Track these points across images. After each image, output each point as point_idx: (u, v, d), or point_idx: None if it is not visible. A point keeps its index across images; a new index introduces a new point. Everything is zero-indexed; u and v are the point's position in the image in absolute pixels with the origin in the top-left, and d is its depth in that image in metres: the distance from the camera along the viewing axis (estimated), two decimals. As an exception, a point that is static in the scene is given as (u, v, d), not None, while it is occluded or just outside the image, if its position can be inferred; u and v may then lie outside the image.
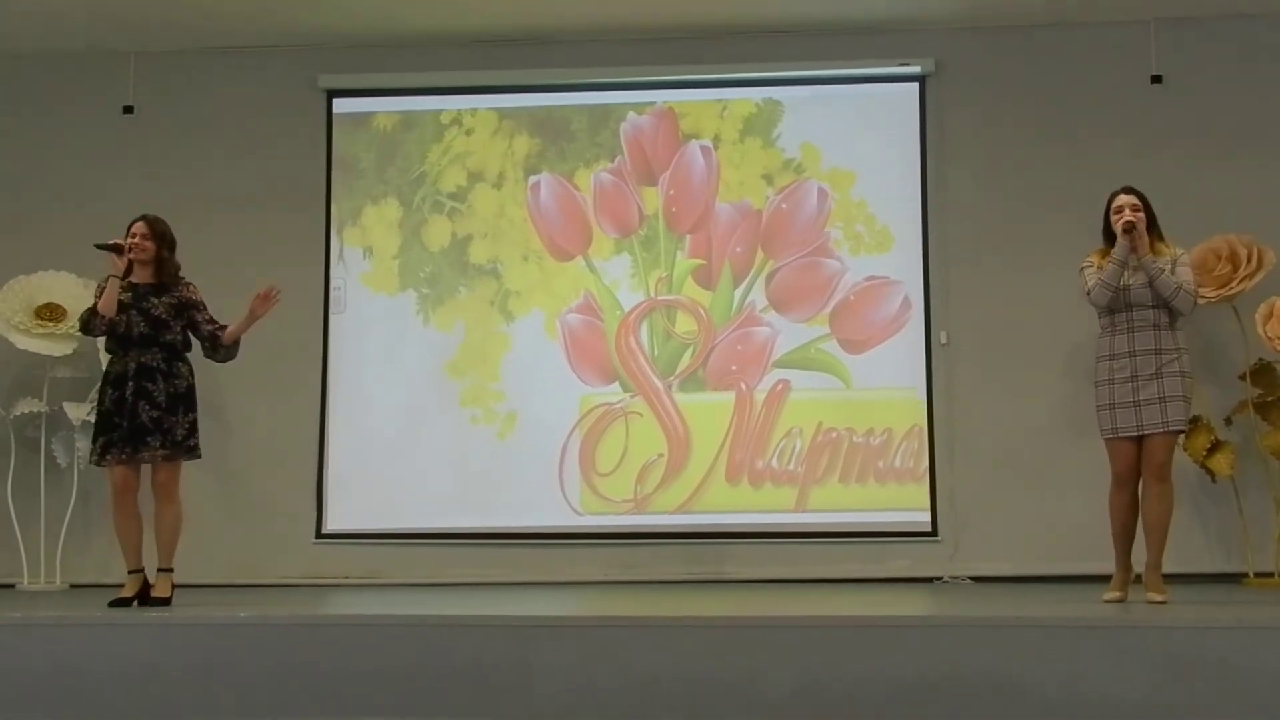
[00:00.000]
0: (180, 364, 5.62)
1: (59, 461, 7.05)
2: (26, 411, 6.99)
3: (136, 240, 5.60)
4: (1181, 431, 5.46)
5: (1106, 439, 5.42)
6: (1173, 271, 5.34)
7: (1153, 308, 5.33)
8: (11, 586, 7.01)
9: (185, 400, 5.58)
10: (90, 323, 5.59)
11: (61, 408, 6.96)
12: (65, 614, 5.26)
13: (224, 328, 5.68)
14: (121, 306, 5.53)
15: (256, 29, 7.31)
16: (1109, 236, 5.46)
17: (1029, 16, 7.12)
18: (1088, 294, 5.43)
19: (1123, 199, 5.42)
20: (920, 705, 4.29)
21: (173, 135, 7.49)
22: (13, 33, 7.30)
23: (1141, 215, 5.36)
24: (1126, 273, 5.35)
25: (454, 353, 7.33)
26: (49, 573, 7.01)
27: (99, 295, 5.59)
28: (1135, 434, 5.32)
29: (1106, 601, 5.34)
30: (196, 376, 5.71)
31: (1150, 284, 5.32)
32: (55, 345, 6.92)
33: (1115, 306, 5.37)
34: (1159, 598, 5.26)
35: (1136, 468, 5.38)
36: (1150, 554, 5.37)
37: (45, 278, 7.00)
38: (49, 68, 7.56)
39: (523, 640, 4.53)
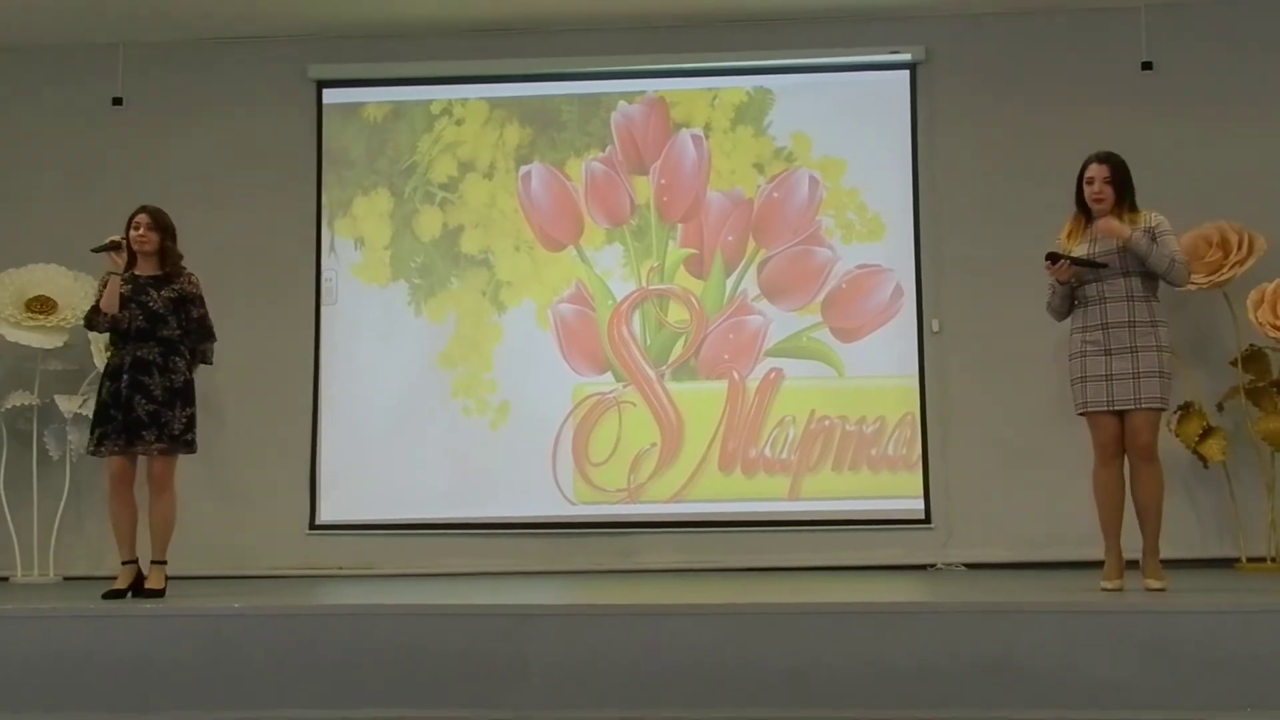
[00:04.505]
0: (177, 359, 5.59)
1: (51, 454, 7.03)
2: (18, 404, 6.97)
3: (140, 232, 5.60)
4: (1160, 409, 5.16)
5: (1080, 413, 5.24)
6: (1154, 241, 5.14)
7: (1124, 276, 5.14)
8: (5, 579, 7.00)
9: (183, 395, 5.57)
10: (94, 320, 5.61)
11: (53, 400, 6.94)
12: (59, 606, 5.25)
13: (206, 338, 5.67)
14: (121, 300, 5.53)
15: (245, 20, 7.28)
16: (1082, 204, 5.29)
17: (1020, 3, 7.13)
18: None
19: (1094, 170, 5.24)
20: (914, 692, 4.29)
21: (162, 127, 7.47)
22: (0, 25, 7.27)
23: (1110, 191, 5.19)
24: (1092, 244, 5.19)
25: (446, 343, 7.33)
26: (42, 565, 7.00)
27: (100, 292, 5.59)
28: (1106, 409, 5.13)
29: (1105, 590, 5.11)
30: (190, 369, 5.71)
31: (1144, 261, 5.11)
32: (46, 338, 6.90)
33: (1086, 278, 5.20)
34: (1158, 584, 5.06)
35: (1120, 441, 5.17)
36: (1146, 539, 5.18)
37: (36, 270, 6.98)
38: (37, 60, 7.53)
39: (517, 629, 4.53)
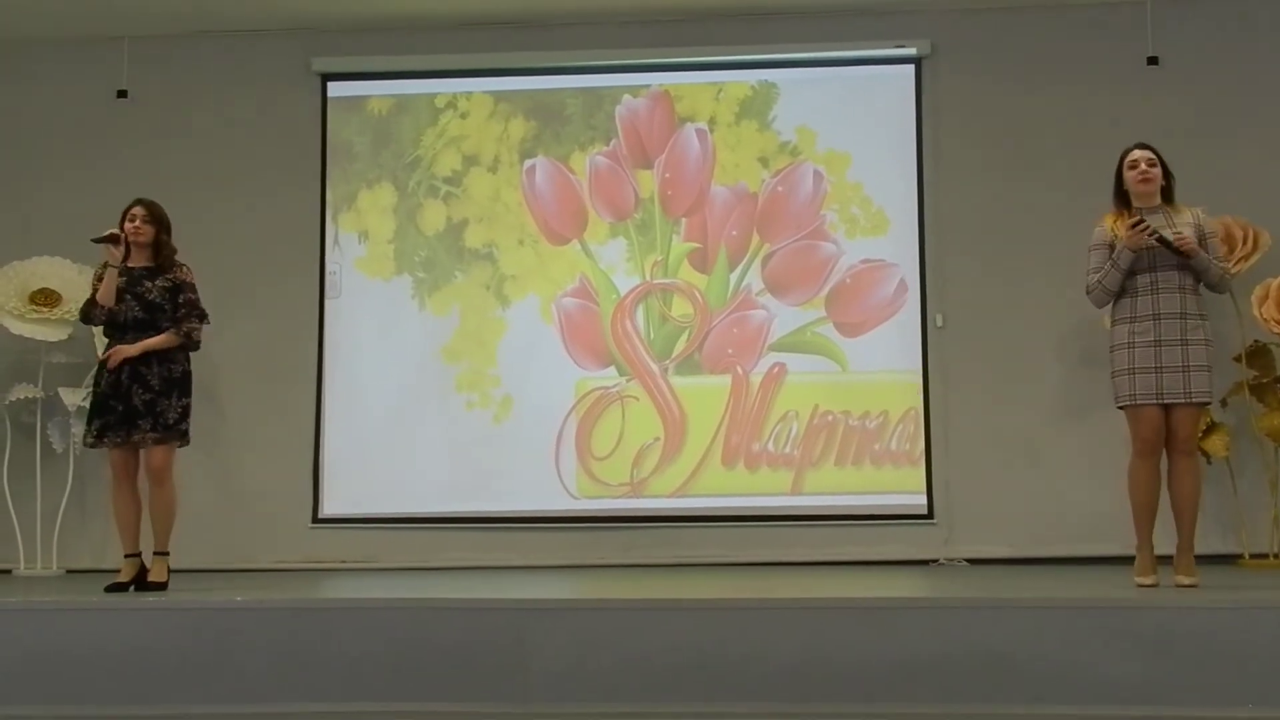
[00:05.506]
0: (176, 349, 5.60)
1: (55, 447, 7.04)
2: (22, 397, 6.98)
3: (136, 224, 5.61)
4: (1207, 403, 5.12)
5: (1124, 407, 5.10)
6: (1204, 244, 5.07)
7: (1178, 269, 5.02)
8: (8, 572, 7.01)
9: (179, 385, 5.58)
10: (90, 313, 5.64)
11: (57, 393, 6.95)
12: (62, 599, 5.27)
13: (195, 317, 5.62)
14: (117, 293, 5.54)
15: (250, 12, 7.28)
16: (1121, 197, 5.21)
17: (1025, -2, 7.13)
18: (1087, 291, 5.20)
19: (1138, 153, 5.18)
20: (916, 687, 4.30)
21: (167, 120, 7.47)
22: (6, 18, 7.27)
23: (1158, 171, 5.15)
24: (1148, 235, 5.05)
25: (450, 337, 7.33)
26: (45, 558, 7.01)
27: (96, 285, 5.60)
28: (1155, 402, 5.01)
29: (1141, 586, 5.04)
30: (193, 362, 5.71)
31: (1203, 274, 5.06)
32: (50, 330, 6.91)
33: (1138, 267, 5.06)
34: (1189, 581, 4.96)
35: (1163, 436, 5.05)
36: (1181, 535, 5.07)
37: (40, 263, 6.99)
38: (43, 53, 7.53)
39: (519, 623, 4.54)
